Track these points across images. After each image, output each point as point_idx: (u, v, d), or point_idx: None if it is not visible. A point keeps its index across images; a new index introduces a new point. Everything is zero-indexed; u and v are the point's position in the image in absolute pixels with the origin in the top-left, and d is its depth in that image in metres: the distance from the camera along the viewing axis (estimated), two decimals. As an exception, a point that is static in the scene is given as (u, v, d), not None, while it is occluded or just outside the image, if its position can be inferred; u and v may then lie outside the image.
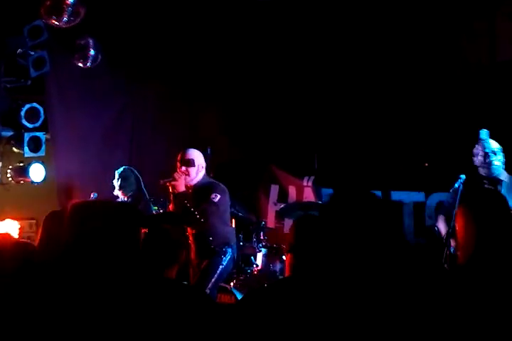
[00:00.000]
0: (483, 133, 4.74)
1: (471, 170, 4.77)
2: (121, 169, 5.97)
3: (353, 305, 2.05)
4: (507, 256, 2.29)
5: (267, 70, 7.78)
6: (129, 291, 2.06)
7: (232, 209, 6.09)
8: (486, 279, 2.22)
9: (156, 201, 6.29)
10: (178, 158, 5.01)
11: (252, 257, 6.37)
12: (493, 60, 6.54)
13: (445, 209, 4.83)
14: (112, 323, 1.98)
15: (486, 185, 4.59)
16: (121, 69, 7.32)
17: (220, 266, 4.90)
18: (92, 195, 5.86)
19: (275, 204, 7.80)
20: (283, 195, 7.86)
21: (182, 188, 4.83)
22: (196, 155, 5.03)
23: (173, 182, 4.83)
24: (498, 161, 4.63)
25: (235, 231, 5.48)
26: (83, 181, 6.62)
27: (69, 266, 2.05)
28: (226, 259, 4.95)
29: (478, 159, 4.69)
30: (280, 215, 7.23)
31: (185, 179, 4.89)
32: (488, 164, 4.61)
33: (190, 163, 4.95)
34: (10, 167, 6.05)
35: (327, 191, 7.53)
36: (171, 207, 5.04)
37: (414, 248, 5.73)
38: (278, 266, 6.08)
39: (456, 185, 4.48)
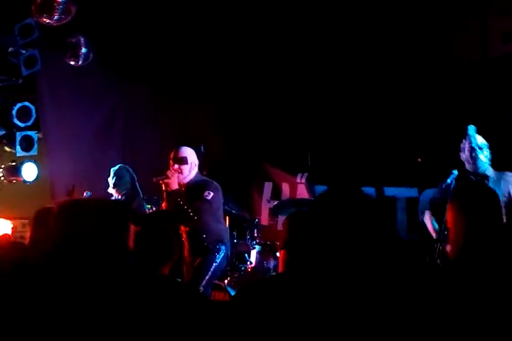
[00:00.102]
0: (471, 128, 4.77)
1: (462, 165, 4.79)
2: (117, 167, 5.96)
3: (345, 301, 2.05)
4: (496, 250, 2.30)
5: (259, 67, 7.78)
6: (122, 289, 2.06)
7: (226, 207, 6.09)
8: (476, 273, 2.23)
9: (149, 199, 6.28)
10: (171, 156, 5.01)
11: (246, 254, 6.37)
12: (485, 56, 6.56)
13: (432, 205, 4.85)
14: (106, 321, 1.97)
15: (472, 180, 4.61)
16: (113, 68, 7.30)
17: (214, 264, 4.90)
18: (85, 194, 5.85)
19: (269, 202, 7.81)
20: (276, 192, 7.87)
21: (175, 186, 4.82)
22: (189, 153, 5.03)
23: (165, 180, 4.83)
24: (483, 156, 4.65)
25: (228, 229, 5.47)
26: (76, 180, 6.60)
27: (59, 265, 2.04)
28: (220, 257, 4.95)
29: (464, 154, 4.71)
30: (274, 212, 7.24)
31: (178, 177, 4.88)
32: (473, 159, 4.63)
33: (182, 160, 4.94)
34: (2, 166, 6.03)
35: (320, 188, 7.54)
36: (163, 205, 5.04)
37: (406, 243, 5.74)
38: (272, 263, 6.08)
39: (449, 181, 4.49)
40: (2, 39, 5.69)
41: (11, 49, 5.70)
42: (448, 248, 4.30)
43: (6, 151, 6.05)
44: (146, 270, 2.79)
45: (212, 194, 4.85)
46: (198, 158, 5.16)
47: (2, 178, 5.99)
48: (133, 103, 7.91)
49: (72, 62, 6.39)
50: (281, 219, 7.10)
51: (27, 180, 5.94)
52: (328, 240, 2.12)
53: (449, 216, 2.46)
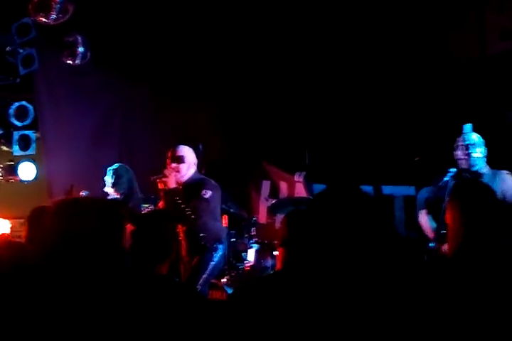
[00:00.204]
0: (467, 127, 4.77)
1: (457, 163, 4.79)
2: (116, 166, 5.93)
3: (342, 298, 2.05)
4: (495, 248, 2.30)
5: (258, 67, 7.77)
6: (119, 288, 2.06)
7: (224, 206, 6.08)
8: (474, 270, 2.23)
9: (147, 198, 6.27)
10: (169, 154, 5.00)
11: (244, 253, 6.38)
12: (483, 53, 6.56)
13: (427, 204, 4.84)
14: (103, 320, 1.97)
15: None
16: (111, 67, 7.28)
17: (211, 263, 4.90)
18: (82, 193, 5.84)
19: (266, 200, 7.80)
20: (274, 191, 7.87)
21: (172, 185, 4.82)
22: (186, 152, 5.02)
23: (163, 179, 4.83)
24: (477, 153, 4.64)
25: (226, 228, 5.47)
26: (73, 179, 6.59)
27: (56, 264, 2.04)
28: (217, 255, 4.95)
29: (458, 152, 4.71)
30: (272, 211, 7.23)
31: (175, 176, 4.88)
32: (467, 156, 4.63)
33: (180, 159, 4.94)
34: (0, 166, 6.02)
35: (318, 186, 7.53)
36: (161, 203, 5.03)
37: (404, 240, 5.73)
38: (270, 262, 6.08)
39: (446, 179, 4.49)
40: (-1, 38, 5.70)
41: (8, 48, 5.70)
42: (444, 247, 4.30)
43: (3, 151, 6.04)
44: (144, 269, 2.79)
45: (210, 192, 4.84)
46: (197, 156, 5.16)
47: (0, 178, 5.98)
48: (131, 102, 7.90)
49: (69, 62, 6.38)
50: (279, 217, 7.09)
51: (24, 179, 5.93)
52: (326, 238, 2.13)
53: (448, 214, 2.46)
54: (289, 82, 7.70)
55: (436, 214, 4.58)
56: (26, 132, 5.94)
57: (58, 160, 6.71)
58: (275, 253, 5.58)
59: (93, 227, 2.07)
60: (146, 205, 6.15)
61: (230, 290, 5.64)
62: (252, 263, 6.20)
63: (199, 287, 4.76)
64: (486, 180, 4.40)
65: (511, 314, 2.13)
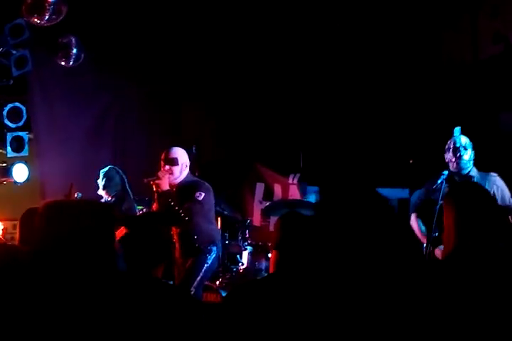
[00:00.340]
0: (456, 130, 4.79)
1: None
2: (106, 169, 5.93)
3: (336, 301, 2.05)
4: (490, 250, 2.30)
5: (252, 68, 7.78)
6: (108, 290, 2.04)
7: (218, 208, 6.07)
8: (470, 273, 2.23)
9: (140, 200, 6.26)
10: (162, 156, 4.99)
11: (238, 255, 6.37)
12: (476, 56, 6.58)
13: (417, 208, 4.86)
14: (92, 322, 1.96)
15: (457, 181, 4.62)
16: (105, 68, 7.28)
17: (205, 265, 4.89)
18: (76, 195, 5.82)
19: (260, 203, 7.81)
20: (268, 193, 7.87)
21: (166, 187, 4.81)
22: (180, 154, 5.01)
23: (157, 181, 4.81)
24: (467, 156, 4.67)
25: (220, 230, 5.45)
26: (67, 181, 6.57)
27: (43, 266, 2.02)
28: (211, 258, 4.94)
29: (448, 154, 4.73)
30: (266, 213, 7.24)
31: (168, 178, 4.87)
32: (457, 159, 4.65)
33: (173, 161, 4.93)
34: (-7, 167, 5.99)
35: (312, 189, 7.54)
36: (154, 206, 5.02)
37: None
38: (264, 264, 6.09)
39: (439, 181, 4.50)
40: (-8, 39, 5.67)
41: (1, 49, 5.66)
42: (436, 251, 4.30)
43: (-4, 152, 6.01)
44: (138, 272, 2.78)
45: (203, 195, 4.84)
46: (190, 158, 5.15)
47: (-7, 179, 5.96)
48: (125, 103, 7.90)
49: (63, 63, 6.36)
50: (273, 220, 7.10)
51: (18, 181, 5.90)
52: (336, 242, 2.12)
53: (444, 216, 2.46)
54: (284, 84, 7.70)
55: (429, 217, 4.58)
56: (19, 133, 5.91)
57: (51, 162, 6.69)
58: (269, 255, 5.58)
59: (79, 228, 2.06)
60: (140, 207, 6.14)
61: (224, 293, 5.63)
62: (246, 266, 6.20)
63: (193, 289, 4.75)
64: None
65: (506, 315, 2.13)
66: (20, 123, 5.90)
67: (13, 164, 5.89)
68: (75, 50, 6.32)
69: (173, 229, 5.00)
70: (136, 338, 2.06)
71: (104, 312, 1.98)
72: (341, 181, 6.78)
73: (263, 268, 6.07)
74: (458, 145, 4.69)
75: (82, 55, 6.39)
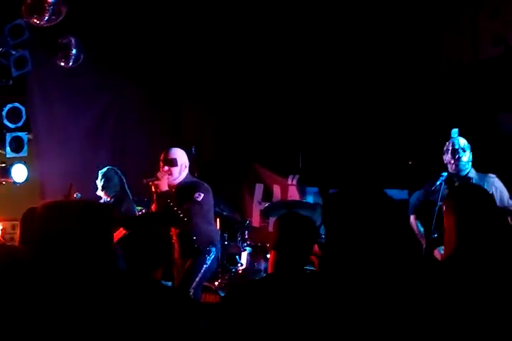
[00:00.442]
0: (454, 131, 4.80)
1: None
2: (105, 169, 5.93)
3: (334, 301, 2.05)
4: (492, 251, 2.30)
5: (251, 69, 7.78)
6: (105, 291, 2.04)
7: (217, 209, 6.08)
8: (471, 273, 2.23)
9: (139, 201, 6.26)
10: (161, 157, 4.99)
11: (237, 256, 6.37)
12: (476, 58, 6.58)
13: (415, 209, 4.87)
14: (87, 321, 1.96)
15: (456, 183, 4.63)
16: (104, 69, 7.28)
17: (204, 266, 4.89)
18: (75, 195, 5.82)
19: (260, 203, 7.81)
20: (267, 194, 7.87)
21: (165, 188, 4.81)
22: (179, 155, 5.01)
23: (156, 182, 4.81)
24: (466, 157, 4.68)
25: (219, 231, 5.45)
26: (66, 181, 6.57)
27: (43, 265, 2.02)
28: (210, 258, 4.94)
29: (447, 156, 4.74)
30: (265, 214, 7.24)
31: (168, 178, 4.87)
32: (456, 160, 4.66)
33: (172, 162, 4.93)
34: (-8, 167, 5.99)
35: (312, 190, 7.54)
36: (153, 206, 5.02)
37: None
38: (263, 265, 6.08)
39: (438, 183, 4.50)
40: (-8, 40, 5.67)
41: (1, 50, 5.67)
42: (436, 252, 4.30)
43: (-5, 153, 6.01)
44: (138, 273, 2.77)
45: (202, 195, 4.84)
46: (189, 159, 5.15)
47: (-8, 180, 5.95)
48: (124, 104, 7.90)
49: (62, 64, 6.36)
50: (272, 221, 7.09)
51: (17, 181, 5.90)
52: (346, 244, 2.10)
53: (445, 217, 2.46)
54: (283, 85, 7.70)
55: (428, 218, 4.59)
56: (19, 134, 5.91)
57: (51, 162, 6.70)
58: (268, 256, 5.58)
59: (77, 229, 2.06)
60: (139, 208, 6.14)
61: (223, 294, 5.63)
62: (245, 266, 6.20)
63: (192, 290, 4.75)
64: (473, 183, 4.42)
65: (508, 315, 2.13)
66: (20, 124, 5.90)
67: (12, 164, 5.89)
68: (74, 51, 6.31)
69: (172, 229, 5.00)
70: (133, 339, 2.06)
71: (101, 313, 1.98)
72: (347, 182, 6.78)
73: (262, 269, 6.07)
74: (457, 146, 4.70)
75: (82, 56, 6.39)
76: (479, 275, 2.22)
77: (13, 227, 6.64)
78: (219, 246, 5.17)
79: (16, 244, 3.29)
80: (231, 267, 6.31)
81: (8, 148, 5.82)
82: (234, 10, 7.18)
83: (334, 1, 7.02)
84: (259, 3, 7.06)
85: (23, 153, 5.98)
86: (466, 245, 2.31)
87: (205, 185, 5.00)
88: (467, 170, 4.69)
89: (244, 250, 6.31)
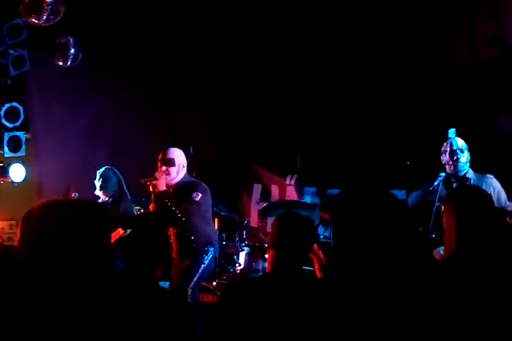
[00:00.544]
0: (451, 132, 4.81)
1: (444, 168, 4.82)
2: (103, 169, 5.93)
3: (335, 301, 2.05)
4: (491, 252, 2.30)
5: (249, 69, 7.78)
6: (100, 291, 2.03)
7: (215, 209, 6.08)
8: (471, 274, 2.23)
9: (137, 201, 6.26)
10: (159, 157, 4.98)
11: (235, 256, 6.37)
12: (473, 58, 6.59)
13: (414, 208, 4.87)
14: (88, 324, 1.96)
15: (454, 183, 4.64)
16: (102, 69, 7.28)
17: (202, 265, 4.88)
18: (73, 195, 5.82)
19: (258, 203, 7.81)
20: (266, 194, 7.88)
21: (163, 187, 4.80)
22: (177, 155, 5.00)
23: (153, 182, 4.80)
24: (464, 158, 4.69)
25: (217, 231, 5.44)
26: (64, 181, 6.57)
27: (39, 265, 2.02)
28: (208, 258, 4.94)
29: (445, 157, 4.75)
30: (263, 214, 7.23)
31: (165, 178, 4.86)
32: (454, 161, 4.67)
33: (170, 162, 4.92)
34: (-10, 167, 5.99)
35: (310, 190, 7.55)
36: (151, 206, 5.01)
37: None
38: (261, 265, 6.08)
39: (436, 183, 4.51)
40: (-10, 39, 5.66)
41: (-1, 49, 5.67)
42: (435, 253, 4.30)
43: (-9, 152, 6.01)
44: (135, 273, 2.77)
45: (200, 195, 4.83)
46: (187, 159, 5.15)
47: (-10, 179, 5.95)
48: (122, 103, 7.90)
49: (60, 63, 6.36)
50: (270, 221, 7.09)
51: (15, 181, 5.89)
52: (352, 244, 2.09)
53: (444, 218, 2.47)
54: (281, 85, 7.70)
55: (425, 219, 4.59)
56: (17, 133, 5.90)
57: (49, 162, 6.70)
58: (266, 256, 5.58)
59: (73, 228, 2.05)
60: (137, 208, 6.14)
61: (221, 294, 5.63)
62: (243, 266, 6.20)
63: (190, 290, 4.74)
64: (471, 184, 4.43)
65: (507, 314, 2.14)
66: (18, 123, 5.90)
67: (10, 164, 5.88)
68: (72, 50, 6.31)
69: (170, 229, 5.00)
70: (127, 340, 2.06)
71: (95, 314, 1.98)
72: (347, 182, 6.78)
73: (260, 268, 6.07)
74: (455, 147, 4.71)
75: (80, 55, 6.38)
76: (480, 275, 2.22)
77: (11, 227, 6.64)
78: (217, 246, 5.16)
79: (15, 243, 3.28)
80: (229, 267, 6.31)
81: (6, 148, 5.81)
82: (232, 10, 7.18)
83: (334, 1, 7.02)
84: (257, 3, 7.07)
85: (21, 153, 5.98)
86: (466, 245, 2.32)
87: (203, 184, 5.00)
88: (465, 171, 4.70)
89: (242, 250, 6.31)
